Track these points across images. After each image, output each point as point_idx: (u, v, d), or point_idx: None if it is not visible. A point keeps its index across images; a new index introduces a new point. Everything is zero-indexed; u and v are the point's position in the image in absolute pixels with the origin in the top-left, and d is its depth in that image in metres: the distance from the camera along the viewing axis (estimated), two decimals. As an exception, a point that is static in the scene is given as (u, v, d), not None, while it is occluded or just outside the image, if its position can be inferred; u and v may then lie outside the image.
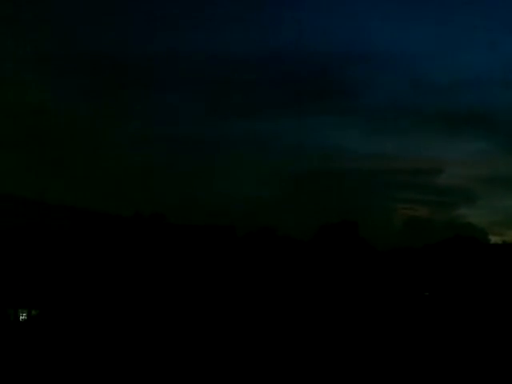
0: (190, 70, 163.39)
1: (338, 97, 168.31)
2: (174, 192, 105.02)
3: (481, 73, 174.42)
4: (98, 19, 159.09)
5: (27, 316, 39.50)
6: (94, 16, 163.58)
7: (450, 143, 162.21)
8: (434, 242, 70.28)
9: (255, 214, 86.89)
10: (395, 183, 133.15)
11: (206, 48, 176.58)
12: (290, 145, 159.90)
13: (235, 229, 71.67)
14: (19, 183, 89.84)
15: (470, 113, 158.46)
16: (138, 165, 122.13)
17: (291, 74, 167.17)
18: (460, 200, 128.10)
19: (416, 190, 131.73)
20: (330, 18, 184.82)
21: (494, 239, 77.85)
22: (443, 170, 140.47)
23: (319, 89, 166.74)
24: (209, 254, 62.29)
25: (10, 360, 21.67)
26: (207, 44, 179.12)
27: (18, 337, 28.66)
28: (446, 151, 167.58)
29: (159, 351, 25.01)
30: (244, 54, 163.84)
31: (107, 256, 57.14)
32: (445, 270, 62.56)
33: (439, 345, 31.87)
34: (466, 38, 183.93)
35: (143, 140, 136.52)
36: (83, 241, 61.97)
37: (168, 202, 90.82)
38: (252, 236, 71.53)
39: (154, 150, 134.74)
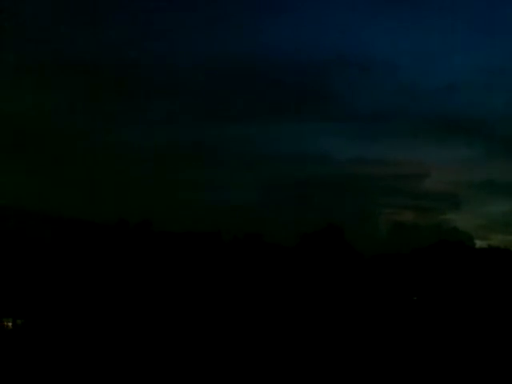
0: (179, 79, 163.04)
1: (324, 103, 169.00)
2: (161, 199, 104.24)
3: (466, 78, 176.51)
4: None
5: (12, 325, 38.69)
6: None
7: (436, 149, 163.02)
8: (420, 246, 70.42)
9: (242, 221, 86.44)
10: (381, 188, 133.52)
11: (194, 56, 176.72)
12: (274, 152, 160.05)
13: (221, 234, 71.18)
14: (0, 191, 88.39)
15: (455, 118, 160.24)
16: (125, 172, 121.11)
17: (277, 81, 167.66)
18: (446, 205, 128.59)
19: (402, 195, 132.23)
20: (317, 25, 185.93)
21: (479, 243, 78.52)
22: (429, 176, 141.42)
23: (305, 96, 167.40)
24: (195, 259, 61.73)
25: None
26: (196, 52, 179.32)
27: (5, 346, 27.91)
28: (431, 157, 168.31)
29: (145, 357, 24.50)
30: (231, 61, 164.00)
31: (93, 264, 56.28)
32: (432, 275, 62.67)
33: (429, 349, 31.72)
34: (452, 43, 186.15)
35: (129, 148, 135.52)
36: (67, 249, 60.97)
37: (154, 209, 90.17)
38: (238, 242, 71.05)
39: (141, 157, 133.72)
